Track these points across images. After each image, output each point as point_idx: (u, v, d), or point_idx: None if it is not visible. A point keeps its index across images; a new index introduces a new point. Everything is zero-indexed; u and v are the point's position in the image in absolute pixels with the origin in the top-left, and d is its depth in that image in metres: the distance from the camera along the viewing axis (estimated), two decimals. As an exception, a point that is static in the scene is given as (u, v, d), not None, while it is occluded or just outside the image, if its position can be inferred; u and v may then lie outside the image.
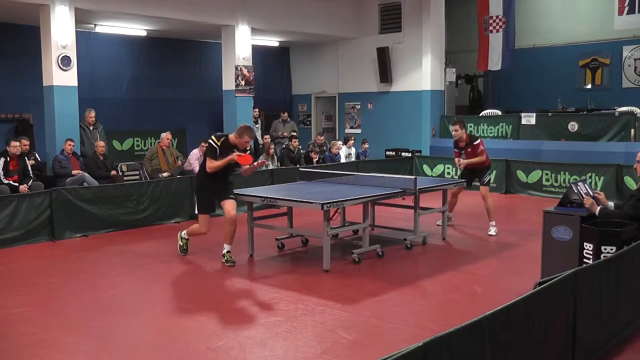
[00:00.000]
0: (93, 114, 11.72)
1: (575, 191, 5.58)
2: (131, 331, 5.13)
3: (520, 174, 12.77)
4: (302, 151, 13.45)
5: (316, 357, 4.49)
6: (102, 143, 11.04)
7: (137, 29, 13.64)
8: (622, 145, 12.39)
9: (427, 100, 15.15)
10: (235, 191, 7.31)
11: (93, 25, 12.98)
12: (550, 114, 14.29)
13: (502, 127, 14.45)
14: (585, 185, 5.81)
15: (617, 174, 11.43)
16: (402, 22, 15.43)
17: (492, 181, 10.69)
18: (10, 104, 12.44)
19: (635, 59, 15.29)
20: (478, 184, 8.92)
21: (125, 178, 11.52)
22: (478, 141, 8.79)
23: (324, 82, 17.29)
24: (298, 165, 12.36)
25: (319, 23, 15.15)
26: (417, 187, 7.54)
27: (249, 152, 7.05)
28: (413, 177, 8.20)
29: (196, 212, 7.44)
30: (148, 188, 9.59)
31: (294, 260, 7.62)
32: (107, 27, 13.17)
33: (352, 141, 14.30)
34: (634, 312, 4.79)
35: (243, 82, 13.89)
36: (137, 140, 14.70)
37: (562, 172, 12.23)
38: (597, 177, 11.70)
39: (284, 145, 13.73)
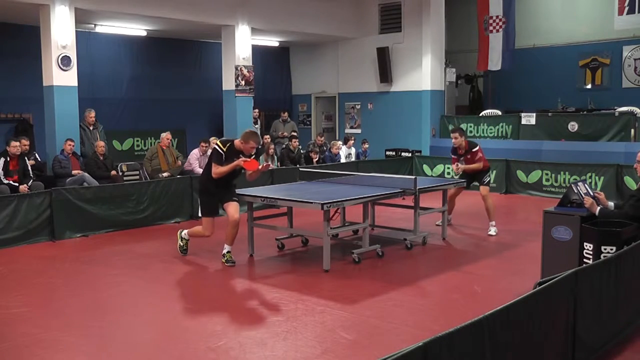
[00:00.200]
0: (93, 114, 11.72)
1: (575, 191, 5.58)
2: (131, 331, 5.13)
3: (520, 174, 12.77)
4: (302, 151, 13.45)
5: (316, 357, 4.49)
6: (102, 143, 11.04)
7: (137, 29, 13.64)
8: (622, 145, 12.39)
9: (427, 100, 15.15)
10: (236, 191, 7.31)
11: (93, 25, 12.98)
12: (550, 114, 14.29)
13: (502, 127, 14.45)
14: (585, 185, 5.81)
15: (617, 174, 11.43)
16: (402, 22, 15.44)
17: (492, 181, 10.70)
18: (10, 104, 12.44)
19: (635, 59, 15.29)
20: (477, 184, 8.93)
21: (125, 178, 11.52)
22: (477, 148, 8.82)
23: (324, 82, 17.29)
24: (298, 165, 12.37)
25: (319, 23, 15.15)
26: (417, 187, 7.54)
27: (253, 156, 7.06)
28: (413, 177, 8.20)
29: (199, 215, 7.43)
30: (148, 188, 9.60)
31: (294, 260, 7.62)
32: (107, 27, 13.17)
33: (352, 141, 14.30)
34: (634, 312, 4.79)
35: (243, 82, 13.90)
36: (137, 140, 14.70)
37: (562, 172, 12.23)
38: (597, 177, 11.70)
39: (284, 145, 13.73)
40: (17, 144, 9.30)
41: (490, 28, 14.89)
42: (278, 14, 14.21)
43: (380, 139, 15.64)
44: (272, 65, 17.45)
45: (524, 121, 14.07)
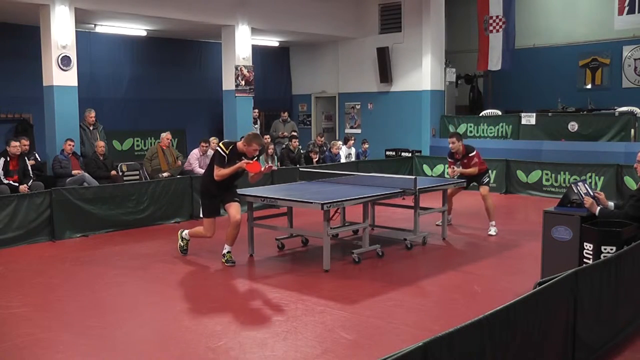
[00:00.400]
0: (93, 114, 11.72)
1: (575, 191, 5.58)
2: (131, 331, 5.13)
3: (520, 174, 12.77)
4: (302, 151, 13.45)
5: (316, 357, 4.49)
6: (102, 143, 11.04)
7: (137, 29, 13.64)
8: (622, 145, 12.39)
9: (427, 100, 15.15)
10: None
11: (93, 25, 12.98)
12: (550, 114, 14.29)
13: (502, 127, 14.44)
14: (585, 185, 5.81)
15: (617, 174, 11.43)
16: (402, 22, 15.44)
17: (492, 181, 10.70)
18: (10, 104, 12.44)
19: (635, 59, 15.29)
20: (477, 184, 8.94)
21: (125, 178, 11.52)
22: (474, 153, 8.84)
23: (324, 82, 17.29)
24: (298, 165, 12.37)
25: (319, 23, 15.15)
26: (417, 187, 7.54)
27: (255, 158, 7.06)
28: (413, 177, 8.20)
29: (201, 215, 7.42)
30: (148, 188, 9.60)
31: (294, 260, 7.62)
32: (107, 27, 13.17)
33: (352, 141, 14.30)
34: (634, 312, 4.79)
35: (243, 82, 13.90)
36: (137, 140, 14.70)
37: (562, 172, 12.23)
38: (597, 177, 11.70)
39: (284, 145, 13.73)
40: (17, 144, 9.30)
41: (490, 28, 14.88)
42: (278, 14, 14.21)
43: (380, 139, 15.64)
44: (272, 65, 17.45)
45: (524, 121, 14.07)
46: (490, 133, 14.57)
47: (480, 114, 15.47)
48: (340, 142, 14.23)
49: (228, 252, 7.12)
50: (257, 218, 7.77)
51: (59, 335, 4.97)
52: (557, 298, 3.79)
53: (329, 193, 7.33)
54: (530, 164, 12.72)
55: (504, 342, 3.26)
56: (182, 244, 7.59)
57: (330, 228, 6.95)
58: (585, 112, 14.51)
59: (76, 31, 11.21)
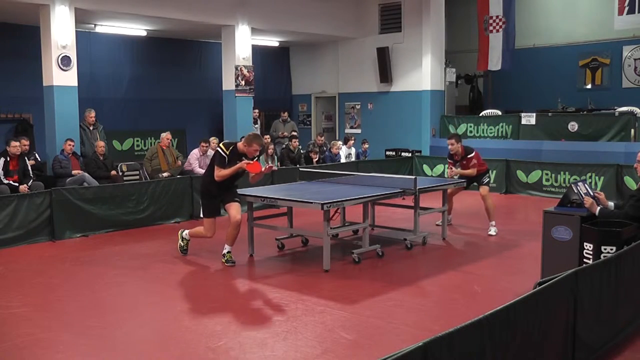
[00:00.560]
0: (93, 114, 11.72)
1: (575, 191, 5.58)
2: (131, 331, 5.12)
3: (520, 174, 12.77)
4: (302, 151, 13.45)
5: (316, 357, 4.49)
6: (102, 143, 11.03)
7: (137, 29, 13.64)
8: (622, 145, 12.39)
9: (427, 100, 15.15)
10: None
11: (93, 25, 12.98)
12: (550, 114, 14.29)
13: (502, 127, 14.44)
14: (585, 185, 5.81)
15: (617, 174, 11.43)
16: (402, 22, 15.44)
17: (492, 181, 10.70)
18: (10, 104, 12.44)
19: (635, 59, 15.29)
20: (477, 184, 8.95)
21: (125, 178, 11.52)
22: (472, 154, 8.85)
23: (324, 82, 17.29)
24: (298, 165, 12.36)
25: (319, 23, 15.15)
26: (417, 187, 7.54)
27: (255, 158, 7.06)
28: (413, 177, 8.20)
29: (201, 216, 7.42)
30: (148, 188, 9.60)
31: (294, 260, 7.62)
32: (107, 27, 13.17)
33: (352, 141, 14.30)
34: (634, 312, 4.79)
35: (243, 82, 13.90)
36: (137, 140, 14.70)
37: (562, 172, 12.24)
38: (597, 177, 11.70)
39: (284, 145, 13.73)
40: (17, 144, 9.30)
41: (490, 28, 14.88)
42: (278, 14, 14.21)
43: (380, 139, 15.64)
44: (272, 65, 17.45)
45: (524, 121, 14.07)
46: (490, 133, 14.57)
47: (480, 114, 15.47)
48: (340, 142, 14.23)
49: (228, 252, 7.13)
50: (257, 218, 7.77)
51: (59, 335, 4.97)
52: (557, 298, 3.79)
53: (329, 193, 7.33)
54: (530, 164, 12.72)
55: (504, 342, 3.26)
56: (182, 244, 7.59)
57: (330, 228, 6.95)
58: (585, 112, 14.51)
59: (76, 31, 11.21)
